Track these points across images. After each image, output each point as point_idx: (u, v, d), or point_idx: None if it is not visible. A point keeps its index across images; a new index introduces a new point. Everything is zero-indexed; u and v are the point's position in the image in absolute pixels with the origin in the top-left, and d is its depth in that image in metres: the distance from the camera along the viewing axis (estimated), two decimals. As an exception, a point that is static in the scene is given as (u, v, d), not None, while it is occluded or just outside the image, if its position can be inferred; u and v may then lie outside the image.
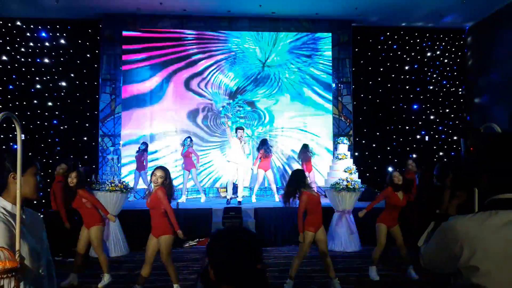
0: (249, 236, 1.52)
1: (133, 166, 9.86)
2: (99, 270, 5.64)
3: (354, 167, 8.32)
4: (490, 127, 2.57)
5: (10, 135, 10.24)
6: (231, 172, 8.99)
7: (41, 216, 6.89)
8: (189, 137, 9.44)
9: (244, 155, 9.01)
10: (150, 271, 5.07)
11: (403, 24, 11.40)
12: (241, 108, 11.02)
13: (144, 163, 9.59)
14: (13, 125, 2.19)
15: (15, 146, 9.76)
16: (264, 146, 9.26)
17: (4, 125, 9.70)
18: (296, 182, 5.27)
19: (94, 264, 6.10)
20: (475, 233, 1.43)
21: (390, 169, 5.82)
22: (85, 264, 6.09)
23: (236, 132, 9.03)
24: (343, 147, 8.65)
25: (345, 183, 7.65)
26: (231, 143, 9.06)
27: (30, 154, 9.52)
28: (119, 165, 8.48)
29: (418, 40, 11.75)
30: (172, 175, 5.36)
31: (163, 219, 4.97)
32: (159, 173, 4.95)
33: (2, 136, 10.24)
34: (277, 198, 9.34)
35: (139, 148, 9.73)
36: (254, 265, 1.46)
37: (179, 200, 8.73)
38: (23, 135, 9.90)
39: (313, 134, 11.14)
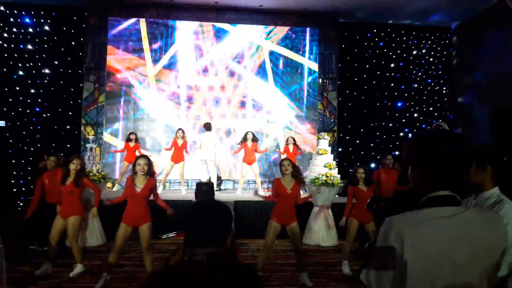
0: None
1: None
2: (73, 259, 5.61)
3: (334, 162, 8.37)
4: (439, 125, 2.60)
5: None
6: (202, 167, 9.36)
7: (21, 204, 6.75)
8: (180, 128, 9.37)
9: (213, 152, 9.21)
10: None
11: (390, 21, 11.44)
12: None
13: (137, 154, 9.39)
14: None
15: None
16: (244, 138, 9.27)
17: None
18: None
19: (68, 253, 6.06)
20: (412, 229, 1.40)
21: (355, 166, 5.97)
22: (59, 252, 6.06)
23: (205, 127, 9.34)
24: (324, 143, 8.68)
25: (324, 178, 7.70)
26: (201, 141, 9.25)
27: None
28: (96, 155, 8.38)
29: (404, 38, 11.81)
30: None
31: (147, 207, 5.03)
32: (143, 161, 4.97)
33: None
34: (261, 191, 9.34)
35: (129, 137, 9.42)
36: None
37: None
38: (3, 122, 9.85)
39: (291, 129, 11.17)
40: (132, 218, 4.97)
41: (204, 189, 4.61)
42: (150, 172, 5.01)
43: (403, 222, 1.44)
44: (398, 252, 1.38)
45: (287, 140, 9.75)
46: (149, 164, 5.01)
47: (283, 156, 9.31)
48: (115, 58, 10.65)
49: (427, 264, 1.36)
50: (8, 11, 10.49)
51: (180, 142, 9.18)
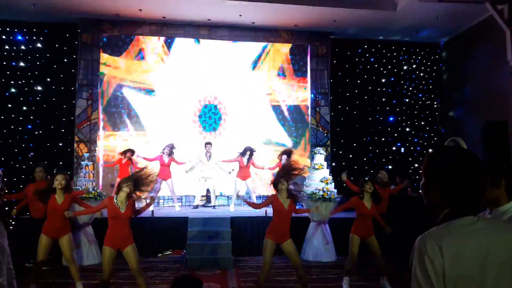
0: None
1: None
2: (70, 279, 5.51)
3: (331, 177, 8.40)
4: (455, 140, 2.64)
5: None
6: (201, 182, 9.50)
7: (13, 223, 6.70)
8: (168, 145, 9.30)
9: (211, 169, 9.43)
10: None
11: (381, 37, 11.65)
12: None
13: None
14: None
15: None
16: (242, 153, 9.27)
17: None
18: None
19: (65, 273, 5.97)
20: (447, 238, 1.43)
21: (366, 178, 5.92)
22: (57, 273, 5.98)
23: (205, 147, 9.47)
24: (320, 157, 8.72)
25: (321, 193, 7.72)
26: (201, 159, 9.46)
27: None
28: (93, 172, 8.32)
29: (395, 54, 12.01)
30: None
31: (129, 229, 4.99)
32: (128, 183, 4.98)
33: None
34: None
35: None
36: None
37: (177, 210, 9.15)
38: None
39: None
40: (115, 240, 4.86)
41: None
42: (131, 195, 5.01)
43: (434, 235, 1.46)
44: (438, 261, 1.40)
45: (281, 155, 9.74)
46: (135, 184, 5.01)
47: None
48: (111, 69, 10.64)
49: (465, 266, 1.40)
50: (0, 29, 10.43)
51: (166, 159, 9.11)
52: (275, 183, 5.41)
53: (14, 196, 7.03)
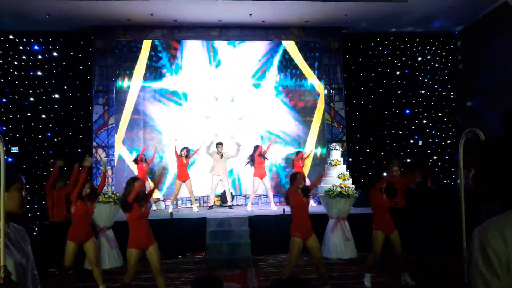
0: None
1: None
2: (91, 282, 5.62)
3: (348, 173, 8.34)
4: (473, 131, 2.60)
5: None
6: (215, 183, 9.60)
7: (36, 229, 6.86)
8: (185, 147, 9.44)
9: (224, 169, 9.61)
10: None
11: (393, 29, 11.50)
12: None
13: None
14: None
15: (9, 160, 9.76)
16: (253, 152, 9.29)
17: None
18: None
19: (87, 276, 6.08)
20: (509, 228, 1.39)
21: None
22: (79, 276, 6.10)
23: (216, 148, 9.56)
24: (336, 153, 8.67)
25: (338, 189, 7.67)
26: (213, 158, 9.55)
27: (17, 169, 9.51)
28: (112, 176, 8.44)
29: (408, 45, 11.85)
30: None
31: (149, 227, 5.05)
32: (141, 183, 5.03)
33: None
34: (273, 206, 9.33)
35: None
36: None
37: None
38: (17, 148, 9.95)
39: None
40: (139, 241, 4.91)
41: None
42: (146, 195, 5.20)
43: (496, 225, 1.42)
44: (502, 252, 1.37)
45: (296, 154, 9.75)
46: (144, 186, 5.20)
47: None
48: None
49: None
50: (17, 39, 10.67)
51: (184, 160, 9.26)
52: (293, 181, 5.41)
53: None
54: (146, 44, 10.88)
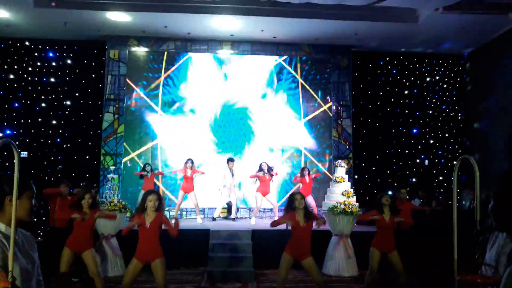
0: None
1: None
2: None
3: (352, 190, 8.35)
4: (466, 159, 2.65)
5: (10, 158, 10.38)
6: (224, 196, 9.73)
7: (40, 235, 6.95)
8: (190, 159, 9.52)
9: (235, 183, 9.88)
10: None
11: (403, 49, 11.59)
12: None
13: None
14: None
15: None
16: (259, 169, 9.33)
17: (5, 153, 9.91)
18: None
19: (92, 284, 6.13)
20: None
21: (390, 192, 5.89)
22: (84, 284, 6.17)
23: (227, 163, 9.75)
24: (341, 170, 8.70)
25: (342, 206, 7.69)
26: (225, 173, 9.74)
27: (28, 177, 9.64)
28: (118, 184, 8.54)
29: (417, 65, 11.92)
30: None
31: (157, 243, 5.05)
32: (154, 197, 5.04)
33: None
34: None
35: (144, 168, 9.66)
36: None
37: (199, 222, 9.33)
38: (25, 152, 10.10)
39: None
40: (142, 253, 4.97)
41: None
42: (160, 208, 5.08)
43: None
44: None
45: (302, 171, 9.78)
46: (160, 199, 5.10)
47: (297, 185, 9.38)
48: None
49: None
50: (32, 46, 10.92)
51: (189, 172, 9.31)
52: (291, 202, 5.39)
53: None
54: (157, 55, 11.09)
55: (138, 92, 10.99)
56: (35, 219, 10.16)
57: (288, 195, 10.68)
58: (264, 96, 11.31)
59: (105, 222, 7.07)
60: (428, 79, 11.93)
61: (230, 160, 9.85)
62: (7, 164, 9.93)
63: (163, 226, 5.11)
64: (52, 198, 7.19)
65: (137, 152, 10.79)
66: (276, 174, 9.77)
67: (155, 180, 10.32)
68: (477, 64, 11.51)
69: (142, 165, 10.07)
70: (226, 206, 10.17)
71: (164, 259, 5.03)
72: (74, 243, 5.51)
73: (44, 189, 7.39)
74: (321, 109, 11.37)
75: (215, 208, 10.05)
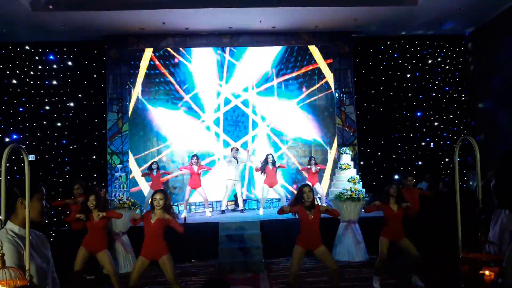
0: None
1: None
2: (110, 287, 5.77)
3: (358, 177, 8.39)
4: (466, 139, 2.67)
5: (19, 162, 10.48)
6: (229, 188, 9.72)
7: (53, 235, 7.05)
8: (195, 155, 9.59)
9: (239, 173, 9.78)
10: None
11: (403, 32, 11.51)
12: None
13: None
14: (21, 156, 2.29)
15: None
16: (265, 160, 9.36)
17: (13, 157, 9.99)
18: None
19: (106, 281, 6.24)
20: None
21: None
22: (97, 281, 6.28)
23: (231, 151, 9.75)
24: (346, 157, 8.72)
25: (349, 193, 7.73)
26: (228, 163, 9.68)
27: (37, 180, 9.76)
28: (127, 182, 8.62)
29: (418, 48, 11.84)
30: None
31: (162, 240, 5.12)
32: (159, 196, 5.10)
33: (8, 164, 10.43)
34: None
35: (151, 167, 9.67)
36: None
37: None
38: (33, 156, 10.21)
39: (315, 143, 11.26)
40: (148, 251, 5.05)
41: None
42: (166, 206, 5.12)
43: None
44: None
45: (309, 161, 9.82)
46: (165, 198, 5.14)
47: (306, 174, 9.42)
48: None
49: None
50: (33, 50, 10.98)
51: (195, 168, 9.36)
52: (300, 195, 5.38)
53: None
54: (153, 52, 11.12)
55: (140, 90, 11.04)
56: (47, 221, 10.30)
57: (294, 186, 10.84)
58: (266, 86, 11.32)
59: (116, 220, 7.14)
60: (430, 61, 11.87)
61: (234, 149, 9.82)
62: (15, 168, 10.03)
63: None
64: (66, 207, 7.30)
65: (143, 154, 10.88)
66: (285, 167, 9.88)
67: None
68: (479, 43, 11.42)
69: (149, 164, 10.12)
70: (232, 197, 10.24)
71: (170, 254, 5.11)
72: (89, 244, 5.59)
73: (52, 203, 7.43)
74: (322, 95, 11.38)
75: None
